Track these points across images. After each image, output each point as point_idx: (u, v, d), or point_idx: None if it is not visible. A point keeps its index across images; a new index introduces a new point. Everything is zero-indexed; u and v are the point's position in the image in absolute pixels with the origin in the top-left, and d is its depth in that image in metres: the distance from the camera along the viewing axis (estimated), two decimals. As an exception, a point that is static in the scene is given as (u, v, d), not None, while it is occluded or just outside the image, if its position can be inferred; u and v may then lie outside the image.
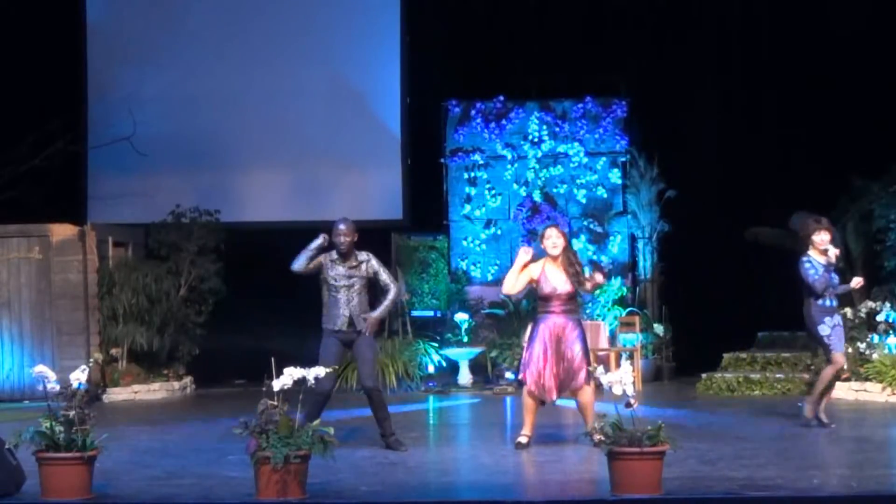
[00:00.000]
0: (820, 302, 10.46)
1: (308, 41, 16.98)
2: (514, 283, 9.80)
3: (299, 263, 9.75)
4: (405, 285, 15.93)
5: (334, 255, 9.76)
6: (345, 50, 16.95)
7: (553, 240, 9.69)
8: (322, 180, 16.72)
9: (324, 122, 16.86)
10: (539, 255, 9.84)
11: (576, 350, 9.55)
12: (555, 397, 9.66)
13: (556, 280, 9.65)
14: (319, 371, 7.86)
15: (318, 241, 9.77)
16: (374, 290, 9.94)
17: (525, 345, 9.85)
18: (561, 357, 9.54)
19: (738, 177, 16.32)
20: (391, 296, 9.83)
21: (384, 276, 9.85)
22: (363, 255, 9.81)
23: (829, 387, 10.71)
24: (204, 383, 15.36)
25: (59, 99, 16.46)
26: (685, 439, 8.59)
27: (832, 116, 15.70)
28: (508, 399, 13.62)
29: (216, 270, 15.67)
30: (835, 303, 10.59)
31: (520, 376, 9.80)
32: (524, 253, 9.75)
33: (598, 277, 9.80)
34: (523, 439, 9.63)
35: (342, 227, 9.72)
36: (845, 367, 10.78)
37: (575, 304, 9.79)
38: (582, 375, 9.47)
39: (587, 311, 15.29)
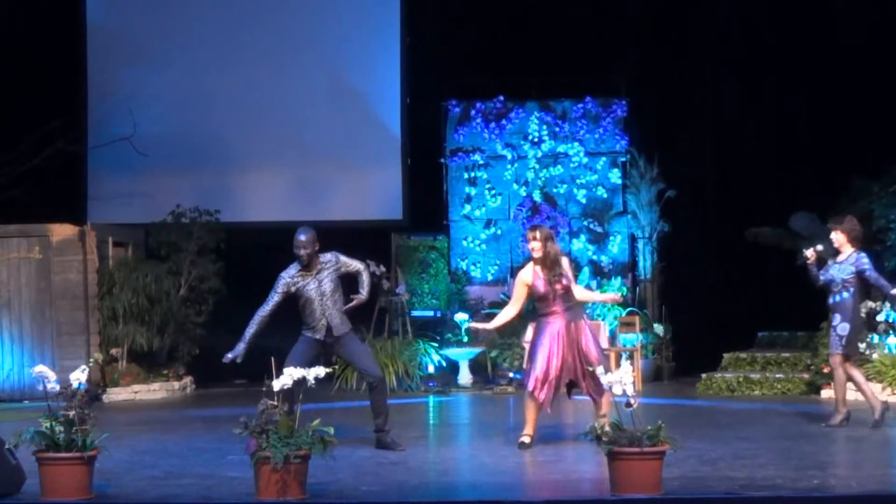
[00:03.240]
0: None
1: (308, 41, 16.97)
2: (505, 317, 9.88)
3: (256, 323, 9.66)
4: (405, 285, 15.93)
5: (295, 269, 9.52)
6: (345, 50, 16.94)
7: (531, 244, 9.71)
8: (322, 180, 16.71)
9: (324, 122, 16.85)
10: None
11: (589, 345, 9.53)
12: (557, 394, 9.65)
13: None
14: (319, 371, 7.86)
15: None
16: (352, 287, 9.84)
17: (526, 346, 9.82)
18: (573, 354, 9.51)
19: (737, 177, 16.33)
20: (365, 275, 9.66)
21: (351, 264, 9.65)
22: (327, 257, 9.60)
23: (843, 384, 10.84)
24: (204, 383, 15.35)
25: (59, 99, 16.46)
26: (685, 439, 8.58)
27: (832, 116, 15.70)
28: (509, 399, 13.61)
29: (216, 270, 15.67)
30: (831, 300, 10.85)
31: (525, 385, 9.75)
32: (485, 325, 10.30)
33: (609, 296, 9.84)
34: (526, 439, 9.61)
35: (302, 237, 9.42)
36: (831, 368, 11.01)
37: (574, 300, 9.74)
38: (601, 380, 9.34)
39: (587, 312, 15.27)
